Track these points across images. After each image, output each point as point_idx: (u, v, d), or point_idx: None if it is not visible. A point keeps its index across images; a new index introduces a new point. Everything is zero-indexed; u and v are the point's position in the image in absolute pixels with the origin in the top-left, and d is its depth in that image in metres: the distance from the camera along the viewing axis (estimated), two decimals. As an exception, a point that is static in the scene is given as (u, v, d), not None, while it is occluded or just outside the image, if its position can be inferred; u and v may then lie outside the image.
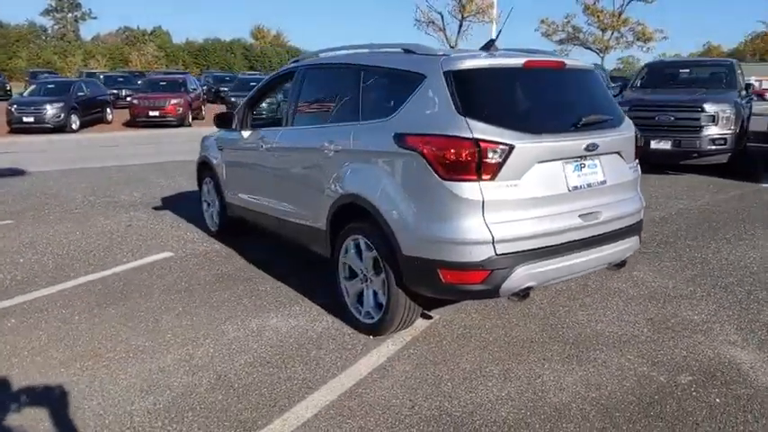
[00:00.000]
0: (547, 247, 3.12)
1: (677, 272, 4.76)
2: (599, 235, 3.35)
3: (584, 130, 3.32)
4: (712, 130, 8.82)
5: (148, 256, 5.31)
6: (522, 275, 3.06)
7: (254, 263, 5.06)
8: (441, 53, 3.34)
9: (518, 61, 3.32)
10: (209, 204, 6.02)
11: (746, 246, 5.47)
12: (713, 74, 10.88)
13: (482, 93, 3.15)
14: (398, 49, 3.66)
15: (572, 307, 4.05)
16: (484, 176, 2.97)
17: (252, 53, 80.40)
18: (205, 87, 27.45)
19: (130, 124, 19.47)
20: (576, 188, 3.24)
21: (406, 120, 3.26)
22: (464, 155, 2.95)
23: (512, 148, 2.97)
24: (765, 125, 13.89)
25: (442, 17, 13.32)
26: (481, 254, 2.99)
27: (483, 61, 3.25)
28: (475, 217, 2.98)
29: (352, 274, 3.75)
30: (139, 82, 28.05)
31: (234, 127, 5.15)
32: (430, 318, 3.83)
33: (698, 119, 8.84)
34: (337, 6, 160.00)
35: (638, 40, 19.81)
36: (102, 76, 27.00)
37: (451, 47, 13.43)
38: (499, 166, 2.97)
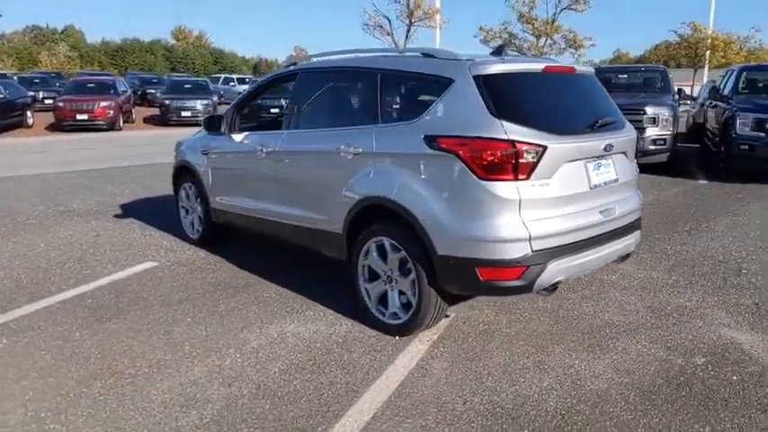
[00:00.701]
0: (574, 242, 3.28)
1: (656, 263, 5.10)
2: (613, 230, 3.56)
3: (599, 131, 3.51)
4: (653, 132, 9.46)
5: (130, 267, 5.05)
6: (554, 270, 3.20)
7: (247, 269, 4.95)
8: (465, 58, 3.43)
9: (539, 66, 3.47)
10: (187, 211, 5.81)
11: (706, 237, 5.94)
12: (647, 79, 11.69)
13: (511, 96, 3.27)
14: (417, 54, 3.72)
15: (575, 299, 4.25)
16: (520, 176, 3.08)
17: (174, 54, 77.50)
18: (131, 89, 26.23)
19: (55, 128, 18.31)
20: (595, 186, 3.43)
21: (435, 122, 3.33)
22: (502, 156, 3.05)
23: (545, 148, 3.11)
24: (685, 126, 15.06)
25: (390, 22, 13.51)
26: (518, 251, 3.10)
27: (508, 66, 3.37)
28: (512, 215, 3.09)
29: (373, 277, 3.77)
30: (58, 84, 26.46)
31: (222, 131, 5.01)
32: (448, 316, 3.90)
33: (640, 121, 9.44)
34: (277, 9, 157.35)
35: (569, 46, 21.02)
36: (15, 78, 25.13)
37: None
38: (534, 166, 3.10)
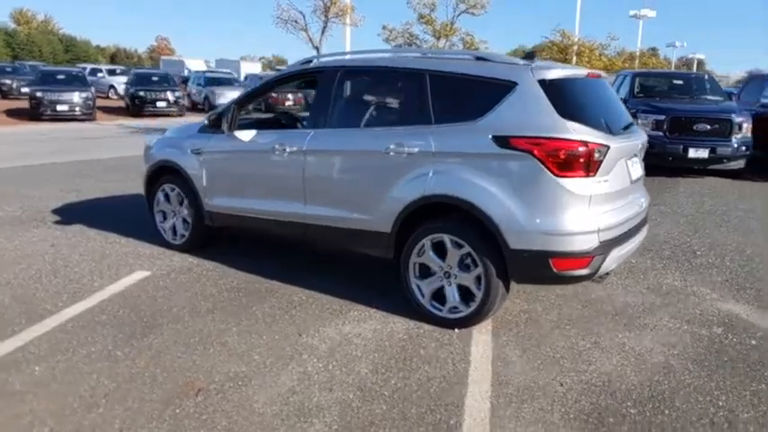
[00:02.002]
0: (623, 233, 3.66)
1: (626, 249, 5.72)
2: (641, 221, 4.00)
3: (629, 131, 3.92)
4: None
5: (123, 278, 4.64)
6: (611, 259, 3.55)
7: (256, 273, 4.76)
8: (522, 62, 3.65)
9: (583, 72, 3.80)
10: (165, 215, 5.42)
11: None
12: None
13: (570, 99, 3.56)
14: (468, 57, 3.87)
15: (584, 286, 4.65)
16: (590, 173, 3.38)
17: (16, 40, 69.02)
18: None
19: None
20: (632, 181, 3.84)
21: (501, 123, 3.51)
22: (575, 155, 3.33)
23: (608, 148, 3.43)
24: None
25: (304, 17, 13.37)
26: (589, 242, 3.40)
27: (564, 71, 3.66)
28: (584, 210, 3.38)
29: (425, 273, 3.87)
30: None
31: (222, 129, 4.76)
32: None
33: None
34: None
35: (467, 48, 22.14)
36: None
37: (315, 47, 13.54)
38: (600, 163, 3.41)
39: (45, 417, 2.76)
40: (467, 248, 3.63)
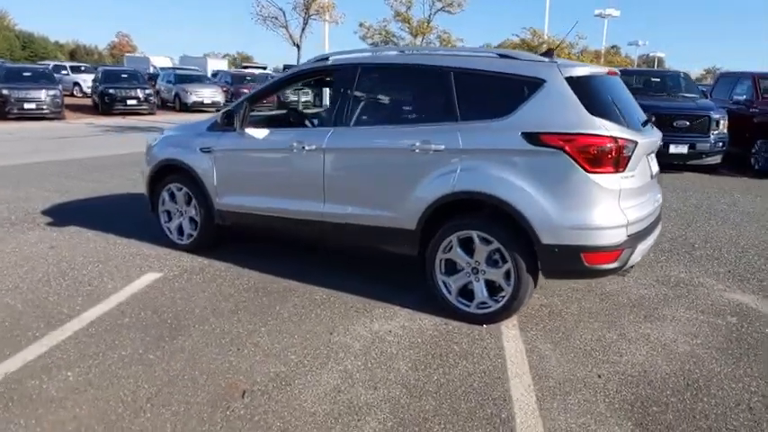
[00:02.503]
0: (647, 227, 3.76)
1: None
2: (658, 216, 4.12)
3: (647, 128, 4.03)
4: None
5: (135, 280, 4.53)
6: (637, 253, 3.65)
7: (271, 272, 4.71)
8: (548, 60, 3.71)
9: (603, 69, 3.88)
10: (170, 215, 5.31)
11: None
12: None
13: (596, 96, 3.63)
14: (492, 55, 3.91)
15: (596, 281, 4.76)
16: (619, 169, 3.46)
17: (-32, 35, 66.29)
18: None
19: None
20: (652, 177, 3.94)
21: (530, 120, 3.56)
22: (606, 150, 3.41)
23: (636, 144, 3.52)
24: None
25: (284, 14, 13.20)
26: (618, 236, 3.49)
27: (588, 69, 3.73)
28: (614, 204, 3.47)
29: (451, 270, 3.90)
30: None
31: (234, 127, 4.69)
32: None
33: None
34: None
35: (444, 46, 22.29)
36: None
37: (296, 44, 13.39)
38: (629, 159, 3.50)
39: (91, 423, 2.69)
40: (496, 244, 3.68)
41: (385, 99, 4.39)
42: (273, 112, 5.17)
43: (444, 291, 3.92)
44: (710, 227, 6.61)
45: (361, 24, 21.14)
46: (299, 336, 3.63)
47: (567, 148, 3.43)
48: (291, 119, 5.24)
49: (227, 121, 4.66)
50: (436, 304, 4.00)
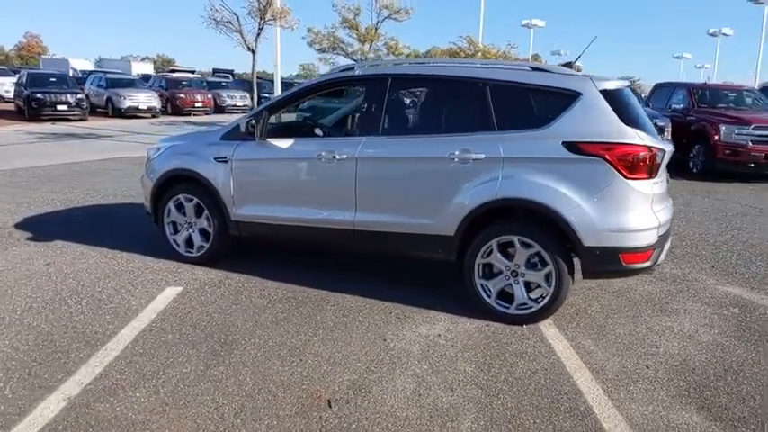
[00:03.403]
0: (668, 229, 4.08)
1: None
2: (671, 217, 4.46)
3: (661, 137, 4.37)
4: None
5: (158, 295, 4.39)
6: (663, 253, 3.97)
7: (293, 282, 4.68)
8: (580, 74, 3.96)
9: (626, 82, 4.19)
10: (176, 227, 5.16)
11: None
12: None
13: (625, 107, 3.91)
14: (525, 68, 4.12)
15: (605, 280, 5.07)
16: (651, 175, 3.76)
17: None
18: None
19: None
20: (667, 183, 4.28)
21: (569, 130, 3.79)
22: (642, 158, 3.69)
23: (665, 152, 3.84)
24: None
25: (238, 18, 12.92)
26: (651, 237, 3.79)
27: (617, 82, 4.02)
28: (648, 208, 3.77)
29: (490, 274, 4.07)
30: None
31: (254, 136, 4.64)
32: (540, 302, 4.38)
33: None
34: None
35: (392, 53, 22.56)
36: None
37: (251, 50, 13.13)
38: (659, 166, 3.81)
39: (189, 442, 2.63)
40: (537, 248, 3.88)
41: (418, 109, 4.50)
42: (288, 121, 5.13)
43: (483, 294, 4.07)
44: (679, 227, 7.16)
45: (309, 30, 21.09)
46: (354, 344, 3.67)
47: (607, 156, 3.68)
48: (304, 129, 5.22)
49: (249, 131, 4.60)
50: (471, 307, 4.15)
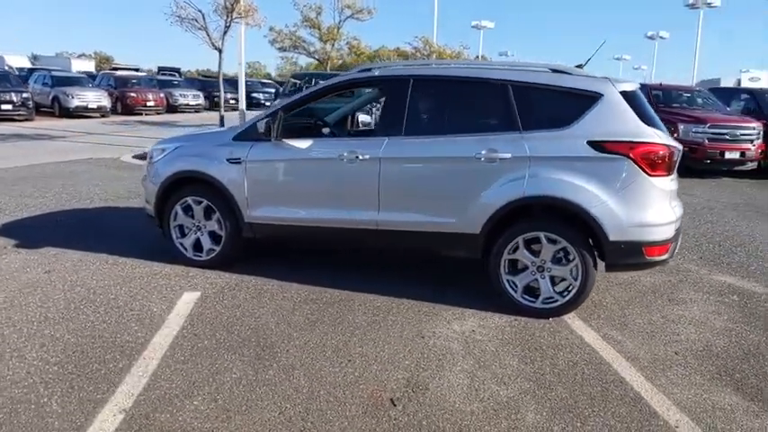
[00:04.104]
0: (680, 224, 4.30)
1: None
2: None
3: None
4: None
5: (178, 301, 4.27)
6: (678, 246, 4.18)
7: (312, 283, 4.64)
8: (599, 75, 4.13)
9: (638, 83, 4.39)
10: (184, 230, 5.02)
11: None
12: None
13: (642, 108, 4.10)
14: (545, 70, 4.25)
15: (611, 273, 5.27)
16: (669, 172, 3.96)
17: None
18: None
19: None
20: (677, 180, 4.51)
21: (592, 129, 3.95)
22: (662, 156, 3.89)
23: (680, 150, 4.05)
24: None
25: (204, 16, 12.55)
26: (670, 231, 4.00)
27: (631, 84, 4.20)
28: (667, 203, 3.97)
29: (515, 269, 4.18)
30: None
31: (270, 137, 4.58)
32: (558, 295, 4.54)
33: None
34: None
35: (353, 52, 22.45)
36: None
37: (217, 49, 12.80)
38: (675, 164, 4.01)
39: (267, 448, 2.60)
40: (563, 243, 4.01)
41: (441, 110, 4.55)
42: (295, 121, 5.10)
43: (510, 289, 4.18)
44: (657, 220, 7.53)
45: (271, 29, 20.79)
46: (395, 342, 3.70)
47: (631, 154, 3.85)
48: (313, 128, 5.18)
49: (266, 132, 4.54)
50: (494, 302, 4.26)
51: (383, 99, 4.52)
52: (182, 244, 5.04)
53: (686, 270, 5.44)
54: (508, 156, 4.06)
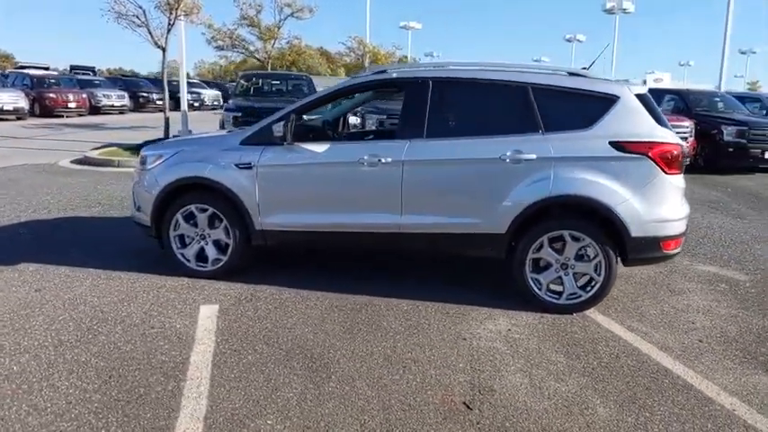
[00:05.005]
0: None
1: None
2: None
3: None
4: None
5: (199, 315, 4.05)
6: (685, 239, 4.45)
7: (330, 290, 4.53)
8: (613, 78, 4.31)
9: (646, 87, 4.62)
10: (184, 240, 4.77)
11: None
12: (295, 85, 14.07)
13: (654, 110, 4.32)
14: (563, 72, 4.38)
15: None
16: (681, 171, 4.21)
17: None
18: None
19: None
20: None
21: (610, 130, 4.12)
22: (677, 155, 4.12)
23: (686, 149, 4.30)
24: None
25: (145, 13, 11.84)
26: (683, 226, 4.25)
27: (643, 87, 4.42)
28: (681, 200, 4.22)
29: (538, 267, 4.29)
30: None
31: (283, 140, 4.44)
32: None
33: None
34: None
35: (294, 52, 21.95)
36: None
37: (160, 47, 12.12)
38: (684, 162, 4.26)
39: (366, 463, 2.52)
40: (586, 241, 4.16)
41: (462, 112, 4.56)
42: (313, 125, 4.96)
43: (535, 288, 4.28)
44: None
45: (209, 26, 20.00)
46: (440, 345, 3.69)
47: (650, 153, 4.05)
48: (320, 131, 5.07)
49: (283, 136, 4.39)
50: (515, 300, 4.36)
51: (403, 101, 4.48)
52: (183, 254, 4.78)
53: (670, 261, 5.77)
54: (533, 157, 4.15)
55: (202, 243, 4.75)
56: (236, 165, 4.55)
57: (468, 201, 4.29)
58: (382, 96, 8.55)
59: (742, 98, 15.76)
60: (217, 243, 4.74)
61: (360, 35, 29.25)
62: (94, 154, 11.89)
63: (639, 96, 4.23)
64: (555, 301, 4.28)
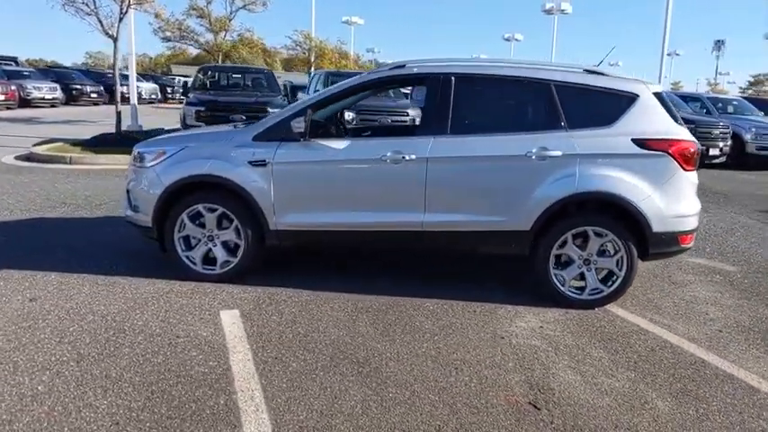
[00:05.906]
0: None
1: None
2: None
3: None
4: None
5: (220, 321, 3.82)
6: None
7: (350, 291, 4.39)
8: (631, 77, 4.40)
9: (661, 86, 4.74)
10: (190, 241, 4.50)
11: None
12: (254, 79, 13.94)
13: (670, 108, 4.43)
14: (580, 70, 4.41)
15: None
16: (696, 167, 4.34)
17: None
18: None
19: None
20: None
21: (632, 128, 4.20)
22: (694, 153, 4.25)
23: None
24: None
25: (94, 1, 11.05)
26: (697, 221, 4.40)
27: (659, 86, 4.53)
28: (695, 196, 4.35)
29: (560, 263, 4.33)
30: None
31: (300, 137, 4.27)
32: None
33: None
34: None
35: (245, 45, 21.18)
36: None
37: (111, 36, 11.40)
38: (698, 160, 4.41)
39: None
40: (610, 236, 4.23)
41: (486, 109, 4.51)
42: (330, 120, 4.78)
43: (558, 284, 4.31)
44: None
45: (156, 15, 19.02)
46: (481, 345, 3.65)
47: (670, 150, 4.16)
48: (331, 127, 4.89)
49: (300, 133, 4.21)
50: (535, 296, 4.39)
51: (425, 97, 4.39)
52: (188, 257, 4.50)
53: (682, 259, 5.99)
54: (559, 153, 4.17)
55: (210, 245, 4.49)
56: (250, 162, 4.32)
57: (493, 198, 4.26)
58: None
59: (684, 98, 16.60)
60: (226, 244, 4.49)
61: (305, 29, 28.82)
62: (40, 150, 11.08)
63: (656, 95, 4.33)
64: (577, 296, 4.32)
